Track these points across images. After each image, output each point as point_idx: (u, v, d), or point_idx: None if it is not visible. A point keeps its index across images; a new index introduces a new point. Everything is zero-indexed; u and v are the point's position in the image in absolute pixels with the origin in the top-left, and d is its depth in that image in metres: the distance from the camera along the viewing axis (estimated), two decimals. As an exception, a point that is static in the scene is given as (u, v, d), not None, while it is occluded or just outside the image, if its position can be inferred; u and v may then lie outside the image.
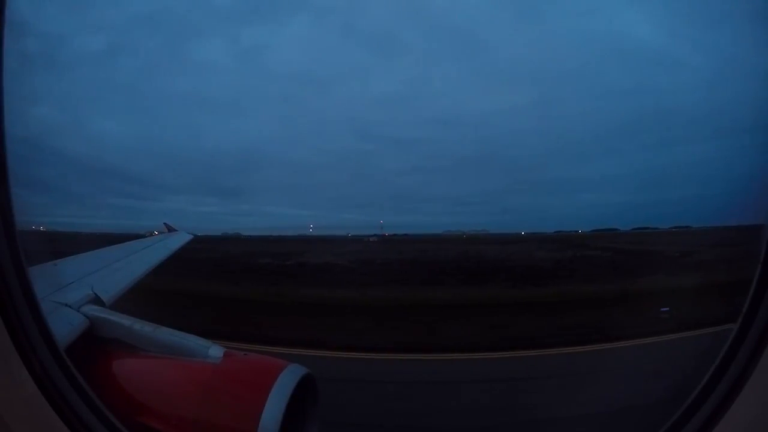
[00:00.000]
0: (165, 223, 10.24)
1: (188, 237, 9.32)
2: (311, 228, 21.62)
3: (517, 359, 8.73)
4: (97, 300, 2.74)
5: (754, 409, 1.43)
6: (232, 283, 14.96)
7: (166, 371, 2.19)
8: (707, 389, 1.55)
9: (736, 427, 1.45)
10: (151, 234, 12.30)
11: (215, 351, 2.19)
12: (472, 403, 6.63)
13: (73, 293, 2.66)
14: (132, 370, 2.23)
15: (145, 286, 4.33)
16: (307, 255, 19.39)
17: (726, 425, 1.46)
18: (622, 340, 8.66)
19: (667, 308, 9.72)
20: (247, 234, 21.47)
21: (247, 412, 1.93)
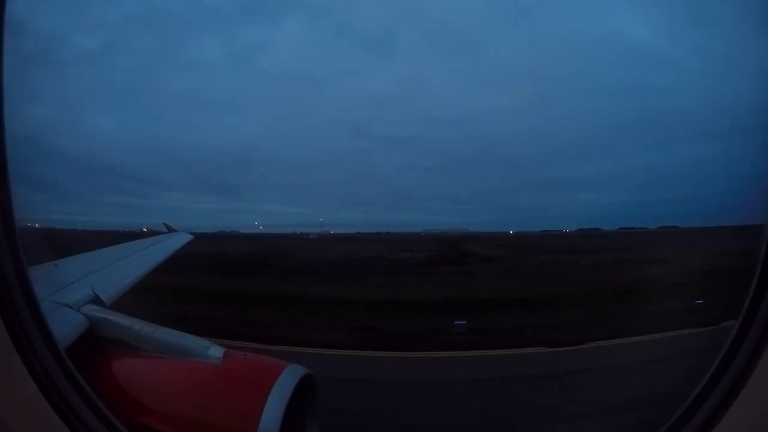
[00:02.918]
0: (165, 224, 10.24)
1: (188, 237, 9.31)
2: (259, 226, 21.51)
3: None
4: (97, 300, 2.74)
5: (755, 408, 1.43)
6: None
7: (166, 371, 2.19)
8: (707, 389, 1.55)
9: (736, 427, 1.45)
10: (142, 231, 12.35)
11: (215, 351, 2.19)
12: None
13: (73, 293, 2.66)
14: (132, 370, 2.22)
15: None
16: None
17: (726, 425, 1.46)
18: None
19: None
20: (244, 232, 21.40)
21: (247, 412, 1.93)
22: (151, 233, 10.70)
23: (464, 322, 9.98)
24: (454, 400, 6.84)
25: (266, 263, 16.28)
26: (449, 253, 18.03)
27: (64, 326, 2.17)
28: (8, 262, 1.56)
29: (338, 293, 12.58)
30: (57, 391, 1.63)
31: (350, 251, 18.81)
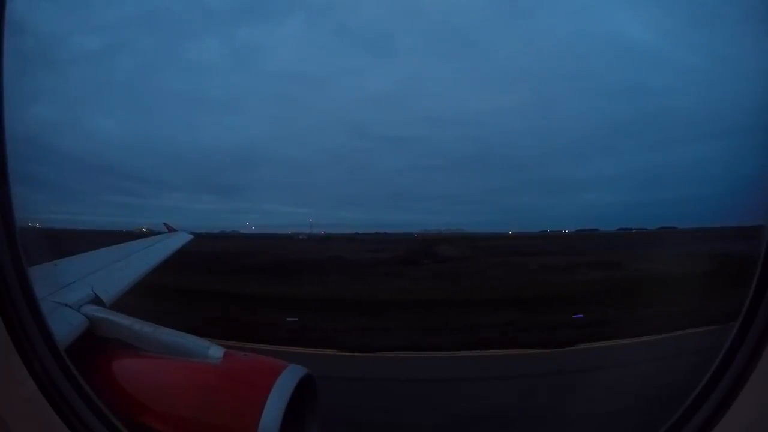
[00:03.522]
0: (165, 224, 10.25)
1: (188, 237, 9.32)
2: (252, 227, 21.64)
3: None
4: (97, 300, 2.73)
5: (754, 409, 1.43)
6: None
7: (166, 371, 2.18)
8: (707, 389, 1.55)
9: (736, 427, 1.45)
10: (141, 230, 12.40)
11: (215, 351, 2.19)
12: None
13: (73, 293, 2.66)
14: (132, 370, 2.22)
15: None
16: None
17: (726, 425, 1.46)
18: None
19: None
20: (244, 232, 21.46)
21: (247, 412, 1.93)
22: (151, 233, 10.72)
23: (296, 319, 10.11)
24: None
25: (225, 263, 16.55)
26: (412, 255, 18.33)
27: (64, 326, 2.17)
28: (8, 262, 1.56)
29: (247, 289, 12.98)
30: (57, 391, 1.63)
31: (320, 251, 19.19)
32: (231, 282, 13.80)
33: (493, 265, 16.46)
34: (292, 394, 1.97)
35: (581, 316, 9.98)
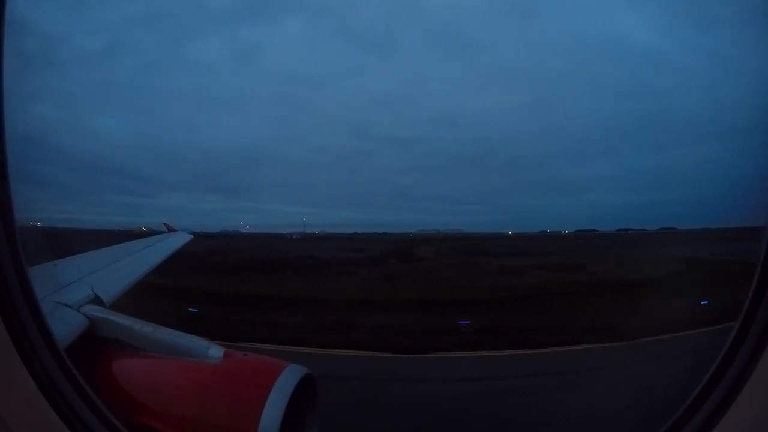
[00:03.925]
0: (165, 224, 10.27)
1: (188, 237, 9.32)
2: (247, 226, 21.77)
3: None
4: (97, 300, 2.73)
5: (754, 409, 1.43)
6: None
7: (166, 371, 2.18)
8: (707, 389, 1.55)
9: (736, 427, 1.45)
10: (141, 230, 12.50)
11: (215, 351, 2.19)
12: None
13: (73, 293, 2.66)
14: (132, 370, 2.22)
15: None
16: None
17: (726, 425, 1.46)
18: None
19: None
20: (246, 231, 21.52)
21: (247, 412, 1.93)
22: (151, 233, 10.74)
23: (196, 310, 10.79)
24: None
25: (193, 261, 16.51)
26: (384, 255, 18.44)
27: (64, 326, 2.17)
28: (8, 262, 1.56)
29: (187, 283, 13.00)
30: (57, 391, 1.63)
31: (300, 250, 19.38)
32: (180, 278, 13.93)
33: (452, 265, 16.59)
34: (292, 393, 1.97)
35: (468, 322, 9.91)
